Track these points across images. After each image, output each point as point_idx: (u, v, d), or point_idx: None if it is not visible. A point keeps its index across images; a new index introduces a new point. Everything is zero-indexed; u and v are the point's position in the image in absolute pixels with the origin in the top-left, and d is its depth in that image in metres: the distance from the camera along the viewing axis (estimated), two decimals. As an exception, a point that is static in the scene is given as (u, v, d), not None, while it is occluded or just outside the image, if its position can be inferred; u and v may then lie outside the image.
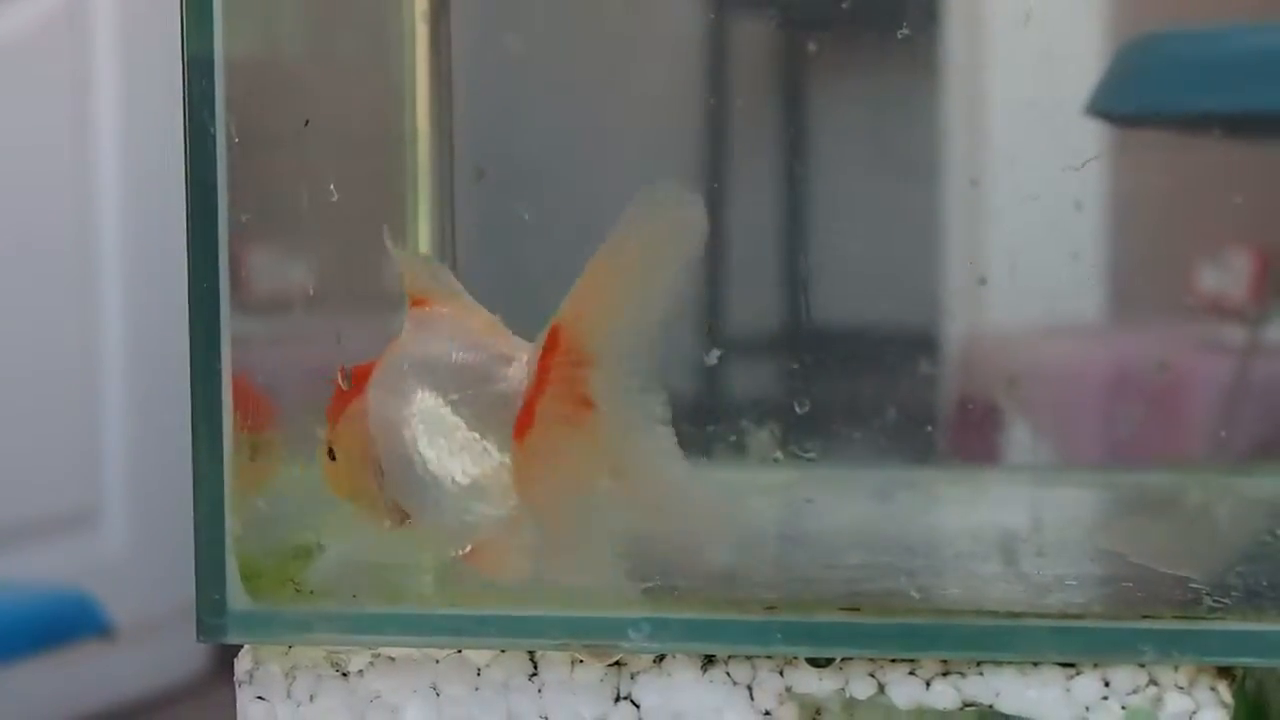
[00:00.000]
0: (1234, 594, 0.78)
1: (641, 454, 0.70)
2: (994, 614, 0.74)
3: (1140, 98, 1.20)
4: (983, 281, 1.13)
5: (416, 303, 0.76)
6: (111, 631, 1.78)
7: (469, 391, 0.73)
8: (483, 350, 0.73)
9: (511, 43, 1.13)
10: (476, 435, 0.73)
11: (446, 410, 0.74)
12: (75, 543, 2.28)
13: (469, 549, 0.76)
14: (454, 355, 0.74)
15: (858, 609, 0.75)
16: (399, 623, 0.76)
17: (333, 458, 0.77)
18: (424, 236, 1.03)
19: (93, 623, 1.78)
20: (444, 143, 1.02)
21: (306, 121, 0.85)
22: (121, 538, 2.30)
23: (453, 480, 0.74)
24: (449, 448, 0.74)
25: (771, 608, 0.75)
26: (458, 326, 0.74)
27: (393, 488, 0.75)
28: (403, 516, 0.76)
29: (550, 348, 0.69)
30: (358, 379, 0.76)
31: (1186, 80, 1.19)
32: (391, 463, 0.74)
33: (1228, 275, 1.44)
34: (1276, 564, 0.84)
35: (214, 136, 0.75)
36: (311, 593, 0.77)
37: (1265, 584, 0.80)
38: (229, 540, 0.75)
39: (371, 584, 0.78)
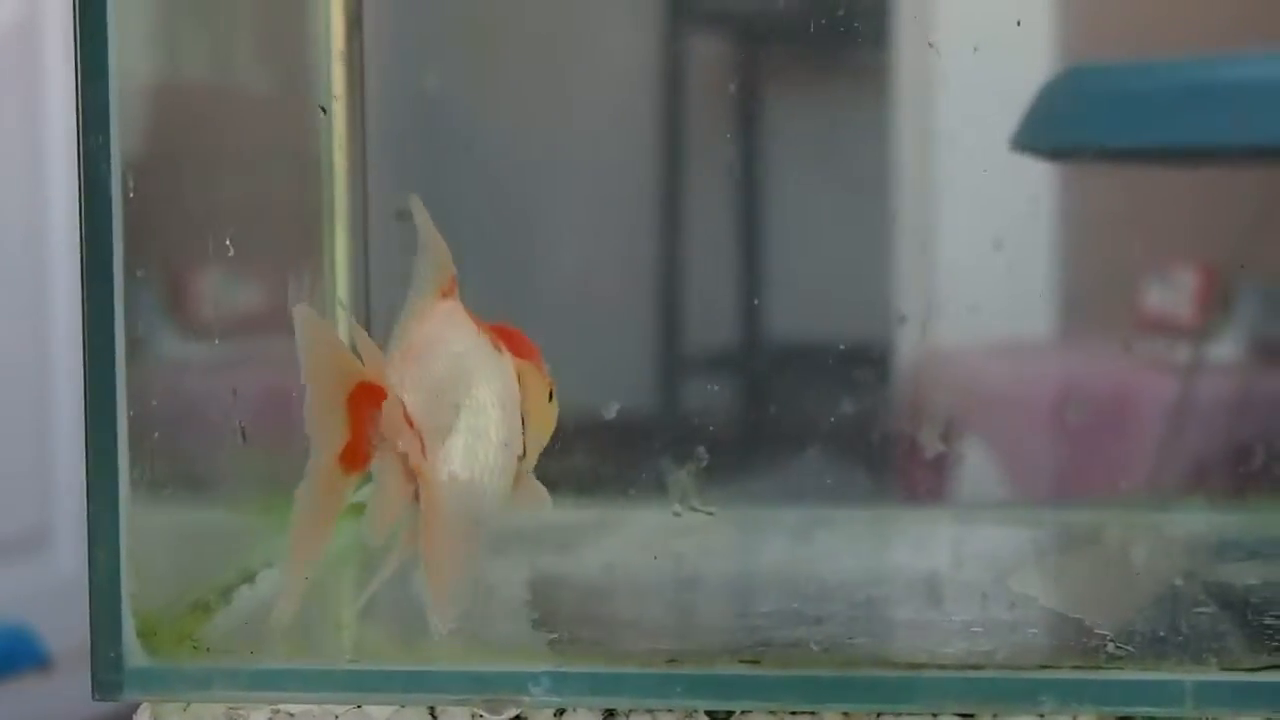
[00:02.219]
0: (1137, 641, 0.77)
1: None
2: (894, 664, 0.74)
3: (1065, 133, 1.20)
4: (903, 319, 1.13)
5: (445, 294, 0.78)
6: (50, 664, 1.77)
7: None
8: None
9: (432, 79, 1.13)
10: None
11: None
12: (25, 568, 2.27)
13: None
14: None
15: (758, 661, 0.74)
16: (298, 679, 0.76)
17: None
18: (341, 275, 1.02)
19: (31, 655, 1.77)
20: (359, 180, 1.01)
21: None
22: (72, 563, 2.29)
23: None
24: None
25: (673, 660, 0.75)
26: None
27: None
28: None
29: None
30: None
31: (1111, 114, 1.19)
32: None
33: (1173, 293, 1.44)
34: (1182, 610, 0.84)
35: (111, 187, 0.74)
36: (209, 649, 0.76)
37: (1168, 631, 0.79)
38: (125, 596, 0.74)
39: (269, 640, 0.77)
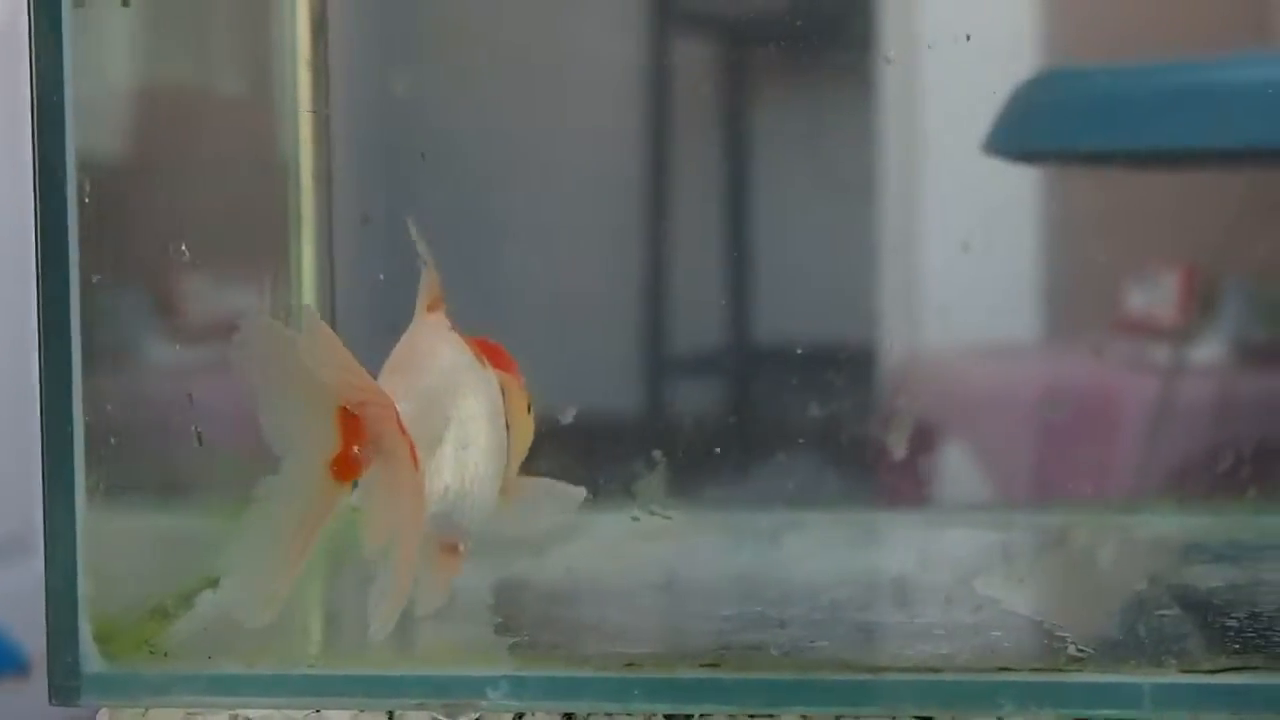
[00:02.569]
0: (1098, 643, 0.77)
1: None
2: (853, 668, 0.74)
3: (1037, 136, 1.20)
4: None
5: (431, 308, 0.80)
6: (29, 669, 1.77)
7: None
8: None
9: (404, 83, 1.12)
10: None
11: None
12: (6, 573, 2.26)
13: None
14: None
15: (717, 665, 0.74)
16: (256, 684, 0.75)
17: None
18: (307, 280, 1.02)
19: (10, 660, 1.76)
20: (325, 186, 1.01)
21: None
22: (54, 570, 2.28)
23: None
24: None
25: (631, 664, 0.75)
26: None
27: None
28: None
29: None
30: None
31: (1083, 118, 1.19)
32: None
33: (1156, 294, 1.44)
34: (1145, 612, 0.84)
35: (67, 192, 0.74)
36: (166, 654, 0.76)
37: (1129, 633, 0.79)
38: (82, 601, 0.74)
39: (228, 644, 0.77)
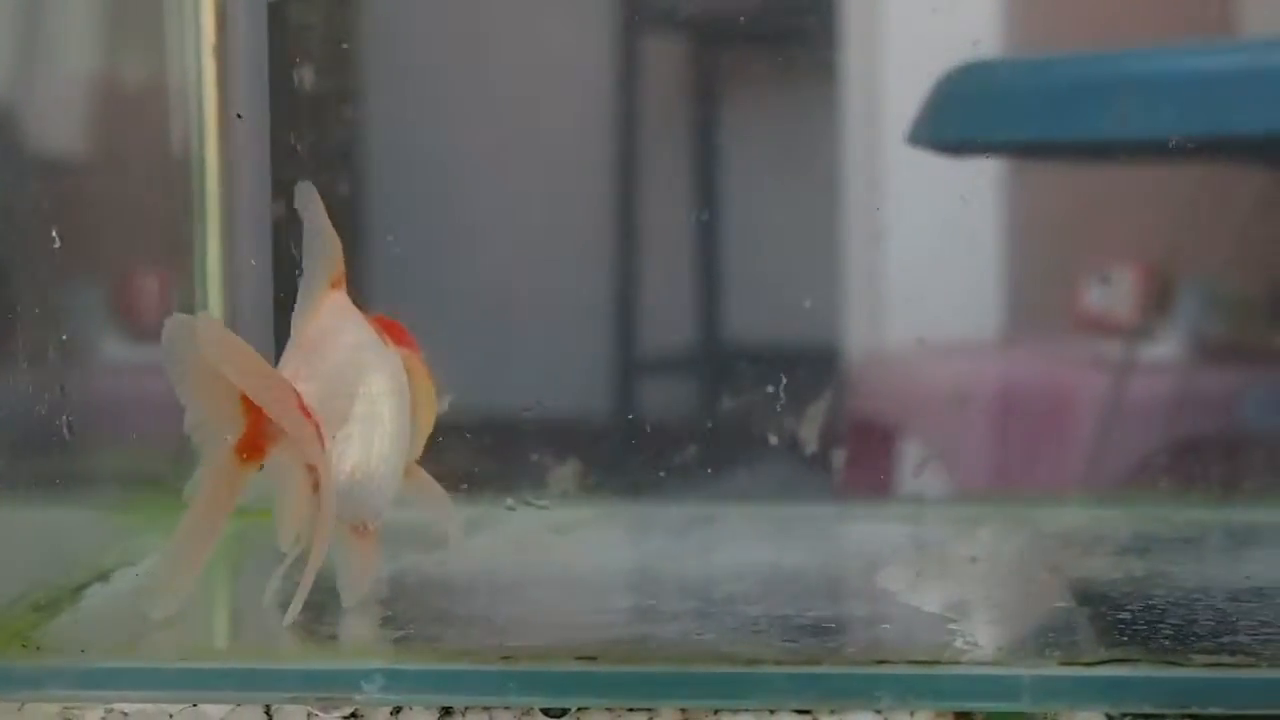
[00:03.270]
0: (987, 636, 0.77)
1: None
2: (732, 661, 0.73)
3: (957, 128, 1.19)
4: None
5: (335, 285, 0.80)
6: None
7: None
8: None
9: (304, 76, 1.11)
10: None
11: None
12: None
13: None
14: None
15: (594, 658, 0.74)
16: (131, 678, 0.75)
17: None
18: (212, 275, 1.02)
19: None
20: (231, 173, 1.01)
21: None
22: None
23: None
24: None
25: (508, 657, 0.74)
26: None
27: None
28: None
29: None
30: None
31: (1002, 110, 1.19)
32: None
33: (1113, 292, 1.44)
34: (1040, 605, 0.84)
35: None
36: (39, 648, 0.75)
37: (1019, 625, 0.79)
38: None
39: (102, 639, 0.76)
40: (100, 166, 0.92)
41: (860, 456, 1.17)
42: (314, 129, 1.11)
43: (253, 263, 0.95)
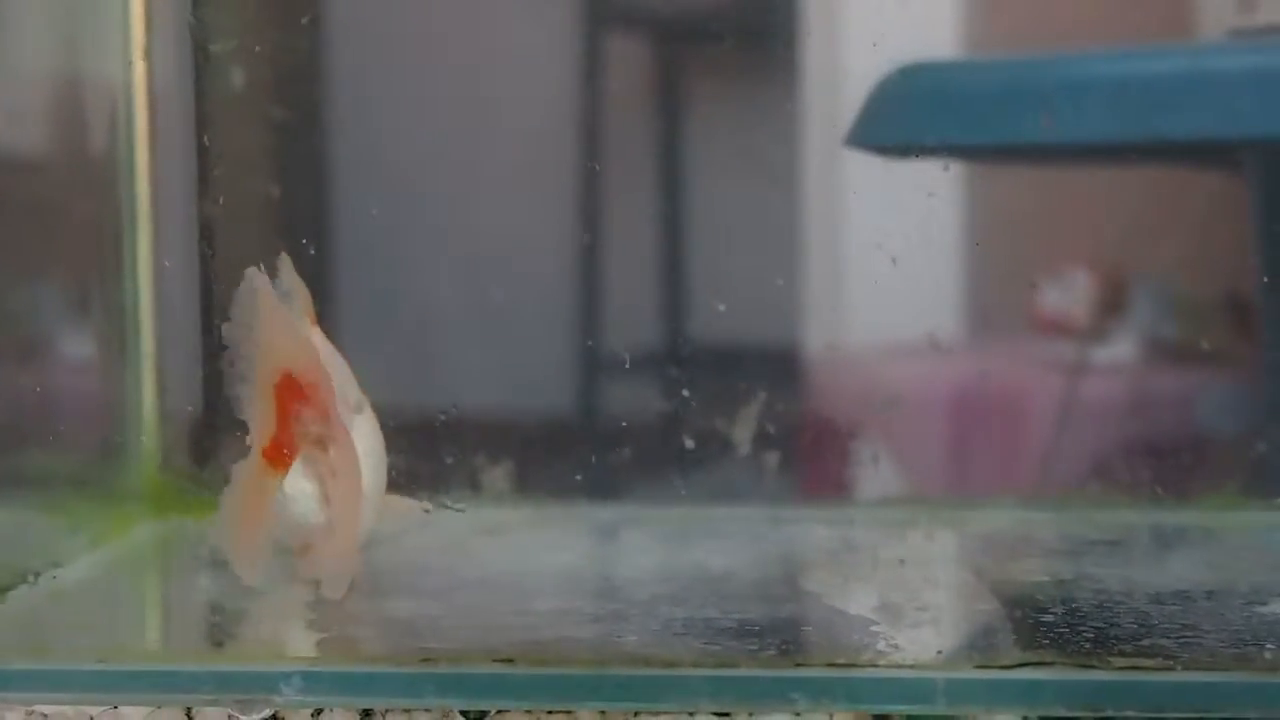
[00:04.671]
0: (909, 638, 0.77)
1: None
2: (650, 663, 0.74)
3: (896, 130, 1.19)
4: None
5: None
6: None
7: None
8: None
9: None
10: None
11: None
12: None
13: (300, 545, 0.84)
14: None
15: (512, 660, 0.74)
16: (48, 679, 0.75)
17: None
18: (144, 280, 1.02)
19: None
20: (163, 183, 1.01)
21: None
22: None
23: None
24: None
25: (427, 659, 0.74)
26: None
27: None
28: None
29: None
30: None
31: (940, 112, 1.19)
32: None
33: (1069, 295, 1.44)
34: (967, 607, 0.84)
35: None
36: (-46, 650, 0.75)
37: (942, 629, 0.79)
38: None
39: (23, 640, 0.76)
40: (28, 167, 0.92)
41: (813, 458, 1.17)
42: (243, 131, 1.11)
43: (166, 264, 0.95)
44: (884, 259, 1.15)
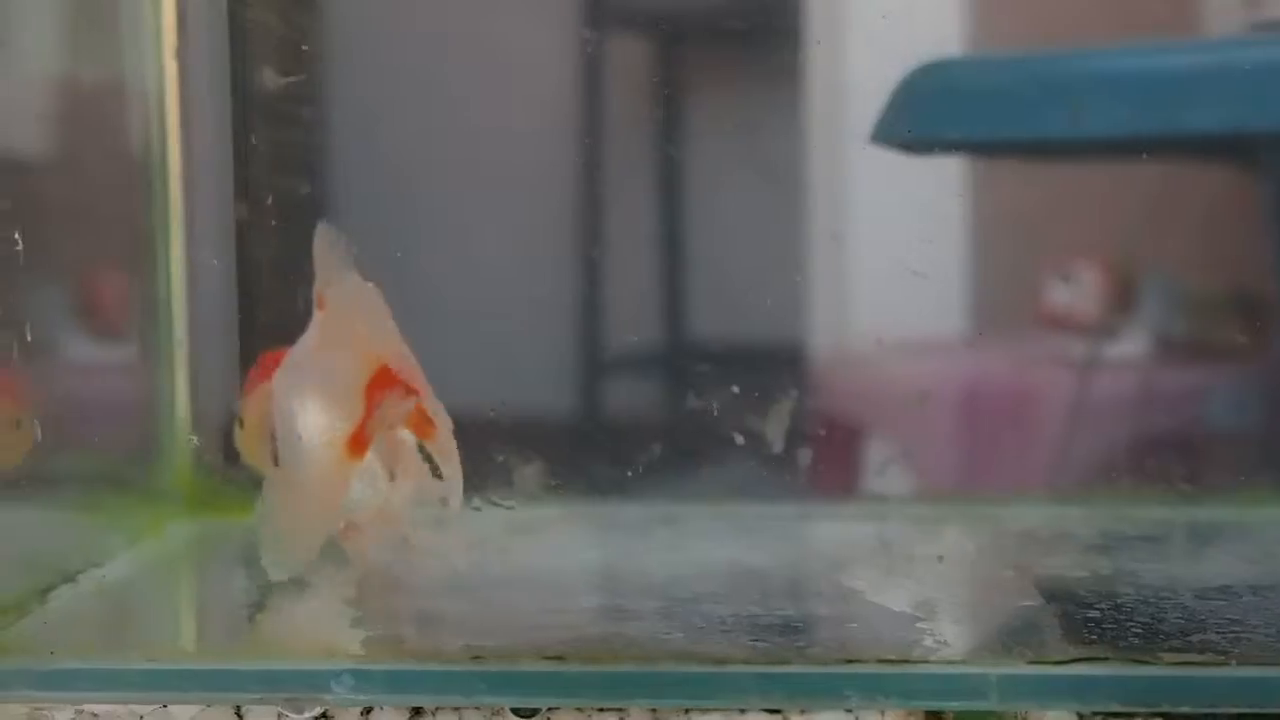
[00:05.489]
0: (956, 635, 0.77)
1: None
2: (700, 660, 0.73)
3: (920, 126, 1.19)
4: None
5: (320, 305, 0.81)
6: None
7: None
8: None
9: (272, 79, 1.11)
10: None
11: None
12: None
13: (344, 526, 0.85)
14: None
15: (563, 658, 0.74)
16: (98, 679, 0.75)
17: (241, 425, 0.86)
18: (176, 277, 1.01)
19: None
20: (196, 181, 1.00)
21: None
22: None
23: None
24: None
25: (477, 657, 0.74)
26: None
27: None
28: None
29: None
30: (269, 363, 0.82)
31: (964, 108, 1.19)
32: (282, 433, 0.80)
33: (1077, 290, 1.44)
34: (1008, 603, 0.84)
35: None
36: (6, 650, 0.75)
37: (988, 625, 0.79)
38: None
39: (70, 640, 0.76)
40: (62, 168, 0.92)
41: (826, 456, 1.17)
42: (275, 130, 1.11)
43: (214, 263, 0.94)
44: (891, 257, 1.15)
